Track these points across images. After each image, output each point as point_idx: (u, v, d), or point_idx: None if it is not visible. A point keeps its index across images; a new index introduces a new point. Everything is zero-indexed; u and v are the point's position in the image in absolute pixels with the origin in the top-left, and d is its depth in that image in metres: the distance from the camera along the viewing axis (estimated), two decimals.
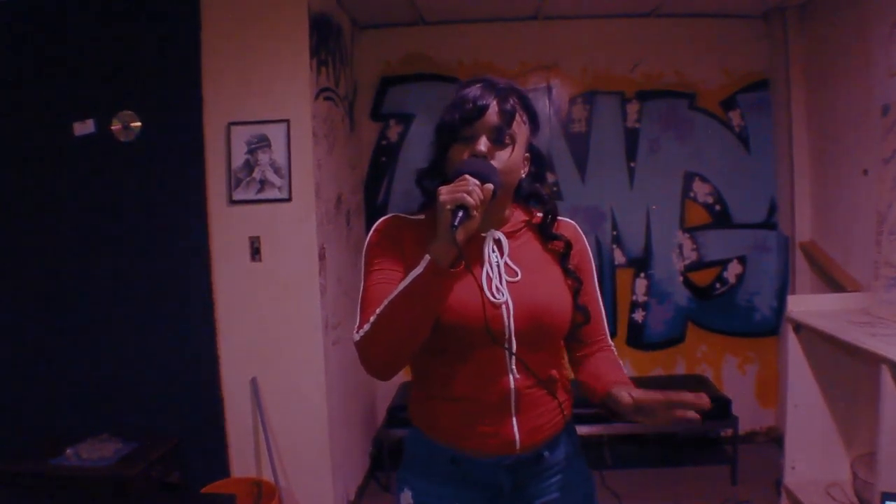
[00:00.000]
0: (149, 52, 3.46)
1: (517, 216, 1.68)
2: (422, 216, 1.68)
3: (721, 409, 4.22)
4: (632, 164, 4.75)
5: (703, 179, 4.75)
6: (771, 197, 4.70)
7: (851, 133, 3.72)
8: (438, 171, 1.64)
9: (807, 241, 4.25)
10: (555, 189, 4.67)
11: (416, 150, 4.74)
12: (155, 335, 3.54)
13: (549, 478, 1.68)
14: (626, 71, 4.71)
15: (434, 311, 1.48)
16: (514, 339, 1.56)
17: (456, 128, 1.54)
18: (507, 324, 1.56)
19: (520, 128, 1.57)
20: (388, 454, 4.31)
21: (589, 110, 4.73)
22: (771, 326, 4.78)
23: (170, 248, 3.52)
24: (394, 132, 4.81)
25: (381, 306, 1.48)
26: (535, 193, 1.70)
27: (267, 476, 3.53)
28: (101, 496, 3.09)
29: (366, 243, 1.65)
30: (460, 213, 1.39)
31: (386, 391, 4.64)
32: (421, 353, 1.57)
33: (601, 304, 1.75)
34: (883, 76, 3.33)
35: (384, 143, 4.82)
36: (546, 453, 1.66)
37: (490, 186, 1.43)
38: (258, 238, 3.49)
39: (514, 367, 1.57)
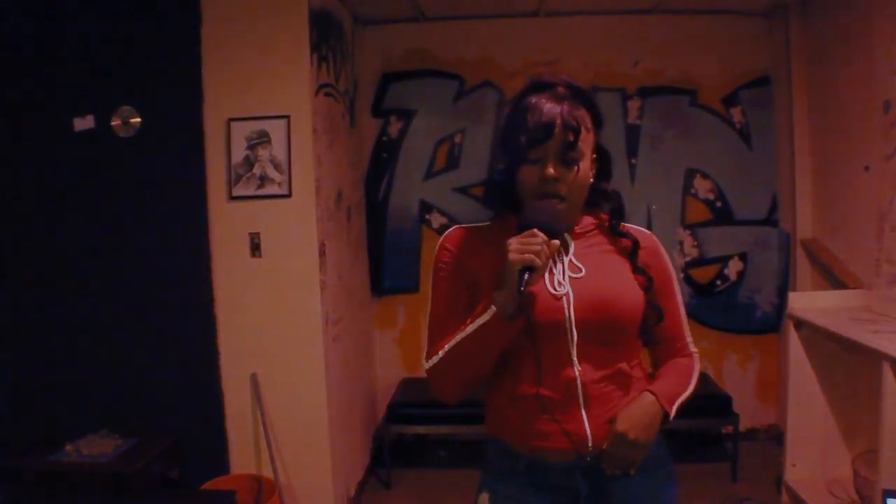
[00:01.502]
0: (149, 48, 3.45)
1: (586, 221, 1.69)
2: (487, 223, 1.72)
3: (722, 406, 4.23)
4: (633, 161, 4.74)
5: (705, 176, 4.74)
6: (772, 194, 4.69)
7: (853, 130, 3.71)
8: (507, 187, 1.66)
9: (808, 238, 4.24)
10: None
11: (417, 146, 4.75)
12: (155, 331, 3.54)
13: (630, 482, 1.61)
14: (627, 67, 4.70)
15: (498, 351, 1.57)
16: (574, 329, 1.56)
17: (523, 151, 1.55)
18: (567, 315, 1.56)
19: (585, 140, 1.57)
20: (389, 450, 4.32)
21: None
22: (772, 323, 4.77)
23: (169, 244, 3.52)
24: (394, 128, 4.80)
25: (450, 345, 1.59)
26: (602, 192, 1.70)
27: (267, 472, 3.52)
28: (101, 492, 3.09)
29: (434, 259, 1.70)
30: (526, 276, 1.44)
31: (386, 388, 4.64)
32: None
33: (683, 316, 1.78)
34: (885, 73, 3.31)
35: (385, 139, 4.81)
36: None
37: (556, 243, 1.49)
38: (258, 234, 3.49)
39: (575, 358, 1.57)
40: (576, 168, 1.55)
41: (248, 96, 3.44)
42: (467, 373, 1.61)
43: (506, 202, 1.68)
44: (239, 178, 3.46)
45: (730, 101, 4.70)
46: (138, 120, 3.47)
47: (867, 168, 3.53)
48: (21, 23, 3.47)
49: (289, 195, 3.47)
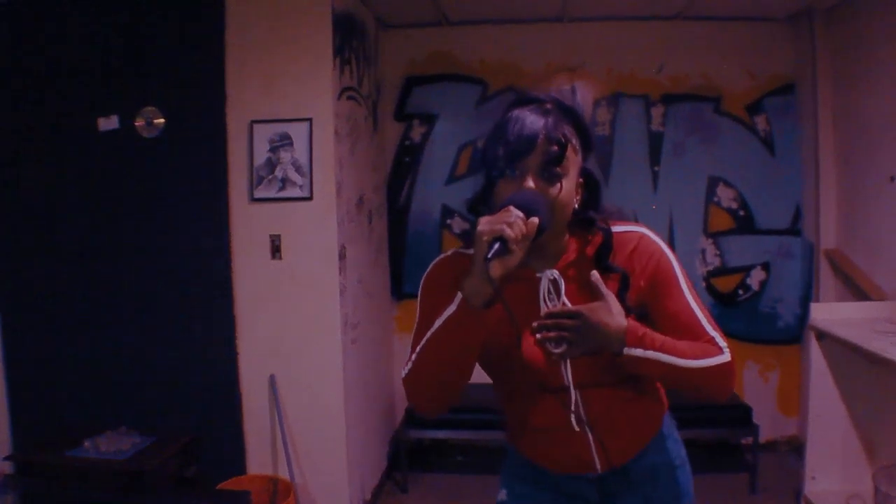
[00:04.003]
0: (173, 49, 3.49)
1: (573, 247, 1.56)
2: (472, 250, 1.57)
3: (742, 417, 4.19)
4: (656, 168, 4.72)
5: (728, 184, 4.70)
6: (796, 203, 4.65)
7: (878, 138, 3.67)
8: (487, 202, 1.52)
9: (831, 249, 4.20)
10: None
11: (440, 151, 4.75)
12: (175, 331, 3.57)
13: (637, 489, 1.64)
14: (651, 73, 4.68)
15: (470, 348, 1.43)
16: (573, 389, 1.54)
17: (501, 165, 1.44)
18: (565, 375, 1.53)
19: (571, 159, 1.45)
20: (406, 455, 4.32)
21: (613, 113, 4.71)
22: (794, 334, 4.72)
23: (191, 245, 3.54)
24: (417, 132, 4.81)
25: (420, 346, 1.47)
26: (588, 221, 1.55)
27: (283, 474, 3.54)
28: (118, 489, 3.11)
29: (425, 278, 1.61)
30: (496, 245, 1.29)
31: (404, 392, 4.63)
32: (496, 391, 1.68)
33: (696, 309, 1.51)
34: None
35: (407, 143, 4.82)
36: (632, 465, 1.63)
37: (535, 220, 1.33)
38: (279, 236, 3.50)
39: (583, 413, 1.55)
40: (558, 185, 1.42)
41: (271, 99, 3.46)
42: (440, 376, 1.46)
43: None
44: (261, 180, 3.48)
45: (754, 108, 4.66)
46: (162, 121, 3.50)
47: (892, 178, 3.49)
48: (46, 24, 3.52)
49: (310, 198, 3.48)
